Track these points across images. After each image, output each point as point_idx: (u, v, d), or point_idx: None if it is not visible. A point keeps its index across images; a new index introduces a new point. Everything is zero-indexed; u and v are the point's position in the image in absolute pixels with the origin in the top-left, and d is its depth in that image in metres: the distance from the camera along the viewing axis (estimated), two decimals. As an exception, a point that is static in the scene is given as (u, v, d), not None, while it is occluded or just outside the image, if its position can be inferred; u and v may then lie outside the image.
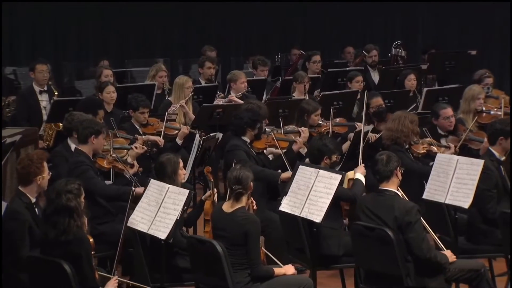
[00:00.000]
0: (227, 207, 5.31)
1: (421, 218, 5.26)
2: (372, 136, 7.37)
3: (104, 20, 12.69)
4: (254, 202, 5.50)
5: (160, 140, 7.53)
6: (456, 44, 13.47)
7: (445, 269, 5.31)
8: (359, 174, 5.93)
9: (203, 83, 9.44)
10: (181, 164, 5.81)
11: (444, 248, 5.46)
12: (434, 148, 6.90)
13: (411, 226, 5.16)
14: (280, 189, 6.66)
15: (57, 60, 11.99)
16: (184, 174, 5.89)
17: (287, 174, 6.42)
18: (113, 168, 6.51)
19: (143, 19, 12.88)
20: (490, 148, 6.23)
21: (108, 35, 12.76)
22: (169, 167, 5.70)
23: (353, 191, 5.82)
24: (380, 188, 5.37)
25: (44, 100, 8.57)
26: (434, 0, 13.68)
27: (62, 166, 6.45)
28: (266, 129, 7.11)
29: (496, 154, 6.17)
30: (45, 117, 8.28)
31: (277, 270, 5.27)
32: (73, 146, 6.65)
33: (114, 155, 6.46)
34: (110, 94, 8.18)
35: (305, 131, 7.23)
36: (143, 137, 7.37)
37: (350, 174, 6.01)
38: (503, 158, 6.17)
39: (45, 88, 8.61)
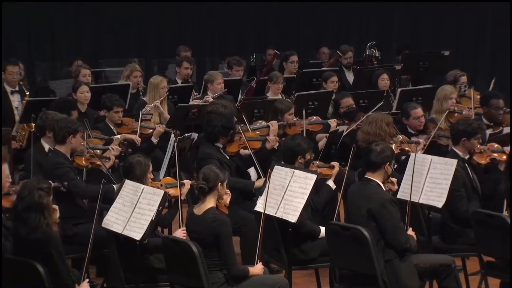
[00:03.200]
0: (197, 209, 5.30)
1: (397, 209, 5.30)
2: (333, 121, 7.45)
3: (78, 20, 12.60)
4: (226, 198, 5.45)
5: (137, 138, 7.49)
6: (430, 44, 13.58)
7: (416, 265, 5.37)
8: (330, 181, 6.07)
9: (179, 83, 9.42)
10: (151, 168, 5.79)
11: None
12: (406, 147, 6.96)
13: (385, 217, 5.22)
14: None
15: (31, 60, 11.89)
16: (151, 178, 5.85)
17: (260, 183, 6.43)
18: (91, 164, 6.46)
19: (117, 18, 12.82)
20: (453, 148, 6.30)
21: (82, 34, 12.67)
22: (139, 169, 5.67)
23: (315, 201, 5.86)
24: (365, 176, 5.44)
25: (15, 101, 8.50)
26: (409, 0, 13.77)
27: (34, 170, 6.37)
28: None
29: (460, 153, 6.24)
30: (17, 118, 8.21)
31: (251, 270, 5.27)
32: (46, 147, 6.58)
33: (91, 150, 6.41)
34: (84, 94, 8.13)
35: (274, 124, 7.25)
36: (119, 136, 7.33)
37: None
38: (467, 157, 6.24)
39: (17, 89, 8.55)
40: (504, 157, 6.42)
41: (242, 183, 6.60)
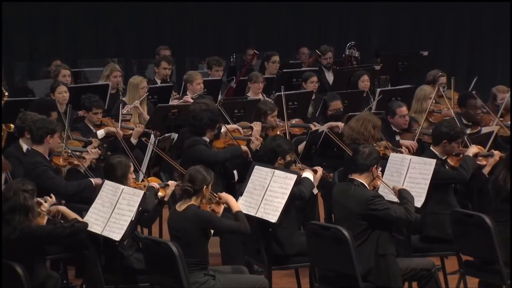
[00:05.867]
0: (179, 206, 5.30)
1: (382, 198, 5.33)
2: (341, 126, 7.41)
3: (56, 19, 12.52)
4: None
5: (119, 131, 7.47)
6: (408, 44, 13.66)
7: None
8: (307, 173, 5.99)
9: (158, 83, 9.40)
10: (132, 169, 5.77)
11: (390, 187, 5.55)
12: (390, 153, 6.94)
13: (377, 212, 5.25)
14: (235, 189, 6.67)
15: (9, 60, 11.78)
16: (133, 178, 5.84)
17: (245, 148, 6.68)
18: (69, 164, 6.43)
19: (96, 18, 12.76)
20: (432, 148, 6.34)
21: (60, 34, 12.60)
22: (119, 170, 5.65)
23: (300, 189, 5.82)
24: (350, 177, 5.44)
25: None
26: (388, 0, 13.83)
27: (16, 167, 6.34)
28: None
29: (438, 153, 6.28)
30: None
31: (234, 206, 5.33)
32: (25, 147, 6.54)
33: (69, 150, 6.38)
34: (62, 94, 8.10)
35: (257, 125, 7.27)
36: (102, 130, 7.30)
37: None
38: (445, 157, 6.29)
39: (-5, 89, 8.47)
40: (484, 162, 6.44)
41: (230, 150, 6.73)
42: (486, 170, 6.31)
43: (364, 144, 5.93)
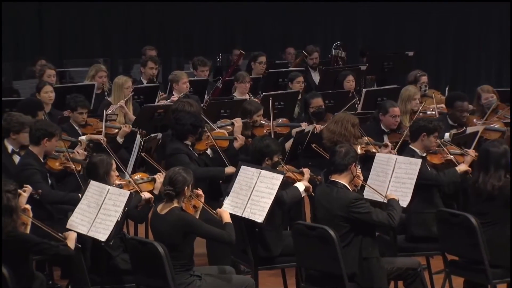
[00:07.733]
0: (160, 208, 5.29)
1: (364, 201, 5.34)
2: (318, 127, 7.44)
3: (41, 19, 12.47)
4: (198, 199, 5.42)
5: (103, 138, 7.43)
6: (393, 44, 13.72)
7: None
8: (300, 184, 5.95)
9: (144, 83, 9.37)
10: (114, 166, 5.75)
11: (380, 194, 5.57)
12: (372, 148, 6.99)
13: (359, 215, 5.25)
14: (222, 189, 6.67)
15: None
16: (116, 176, 5.82)
17: (230, 169, 6.47)
18: (65, 168, 6.39)
19: (81, 18, 12.72)
20: (411, 146, 6.37)
21: (46, 34, 12.55)
22: (101, 168, 5.64)
23: (282, 193, 5.78)
24: (331, 179, 5.44)
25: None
26: (373, 0, 13.88)
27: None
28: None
29: (417, 150, 6.31)
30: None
31: (225, 218, 5.33)
32: (10, 147, 6.52)
33: (66, 154, 6.35)
34: (48, 94, 8.07)
35: (238, 121, 7.26)
36: (84, 137, 7.27)
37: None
38: (424, 154, 6.32)
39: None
40: (462, 159, 6.49)
41: (212, 171, 6.65)
42: (463, 167, 6.35)
43: (342, 144, 5.89)
